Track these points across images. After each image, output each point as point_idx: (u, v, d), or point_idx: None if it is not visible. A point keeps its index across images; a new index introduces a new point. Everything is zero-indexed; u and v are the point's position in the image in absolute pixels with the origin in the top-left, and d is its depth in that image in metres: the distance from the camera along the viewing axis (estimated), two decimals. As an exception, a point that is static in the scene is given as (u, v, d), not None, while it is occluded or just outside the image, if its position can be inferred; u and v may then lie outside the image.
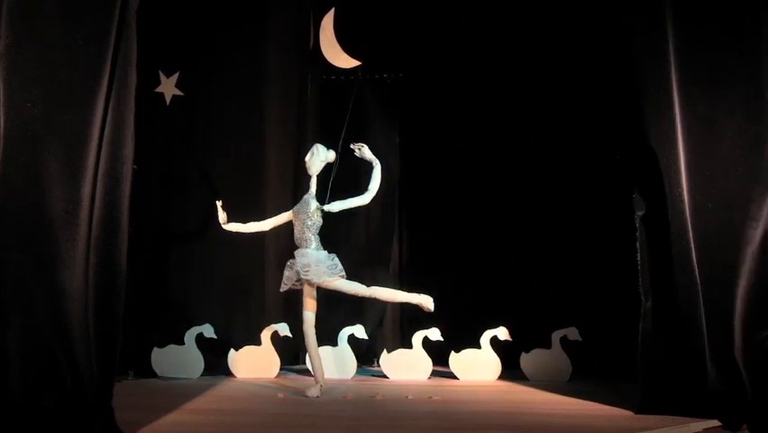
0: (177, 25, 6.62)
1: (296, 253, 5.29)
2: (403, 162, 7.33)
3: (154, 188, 6.53)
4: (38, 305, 3.29)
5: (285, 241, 7.00)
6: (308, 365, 6.28)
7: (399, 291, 5.47)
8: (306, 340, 5.30)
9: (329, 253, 5.29)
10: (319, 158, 5.36)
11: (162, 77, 6.68)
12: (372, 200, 5.41)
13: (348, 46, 7.29)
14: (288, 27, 7.17)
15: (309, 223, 5.27)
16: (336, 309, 6.49)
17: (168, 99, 6.69)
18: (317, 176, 5.42)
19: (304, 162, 7.23)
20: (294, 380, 6.10)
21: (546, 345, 6.17)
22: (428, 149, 7.33)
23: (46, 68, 3.38)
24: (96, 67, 3.45)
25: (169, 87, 6.70)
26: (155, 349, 6.20)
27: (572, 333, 6.08)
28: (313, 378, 5.36)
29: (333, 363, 6.10)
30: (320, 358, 5.33)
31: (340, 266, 5.23)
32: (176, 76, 6.71)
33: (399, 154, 7.33)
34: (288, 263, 5.33)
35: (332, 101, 7.40)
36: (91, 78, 3.44)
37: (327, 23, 7.26)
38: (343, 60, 7.30)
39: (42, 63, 3.37)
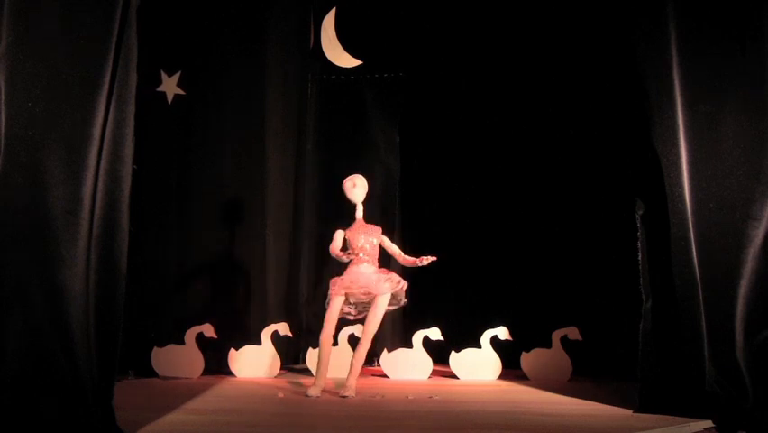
0: (178, 24, 6.61)
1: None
2: (403, 162, 7.33)
3: (155, 188, 6.51)
4: (38, 305, 3.28)
5: (285, 241, 7.03)
6: (308, 364, 6.30)
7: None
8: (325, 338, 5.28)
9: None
10: (364, 188, 5.46)
11: (164, 75, 6.68)
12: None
13: (349, 45, 7.29)
14: (289, 27, 7.17)
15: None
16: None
17: (169, 98, 6.69)
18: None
19: (303, 164, 7.23)
20: (294, 380, 6.09)
21: (547, 344, 6.17)
22: (428, 148, 7.33)
23: (47, 67, 3.37)
24: (97, 66, 3.44)
25: (170, 87, 6.70)
26: (155, 349, 6.19)
27: (573, 332, 6.09)
28: (313, 378, 5.36)
29: (333, 362, 6.08)
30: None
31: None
32: (177, 75, 6.70)
33: (399, 153, 7.33)
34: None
35: (332, 101, 7.40)
36: (92, 78, 3.43)
37: (329, 22, 7.27)
38: (345, 60, 7.31)
39: (43, 62, 3.36)
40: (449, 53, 7.20)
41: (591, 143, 6.40)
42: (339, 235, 5.42)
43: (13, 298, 3.27)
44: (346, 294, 5.28)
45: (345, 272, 5.36)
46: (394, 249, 5.50)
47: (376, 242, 5.40)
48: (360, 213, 5.48)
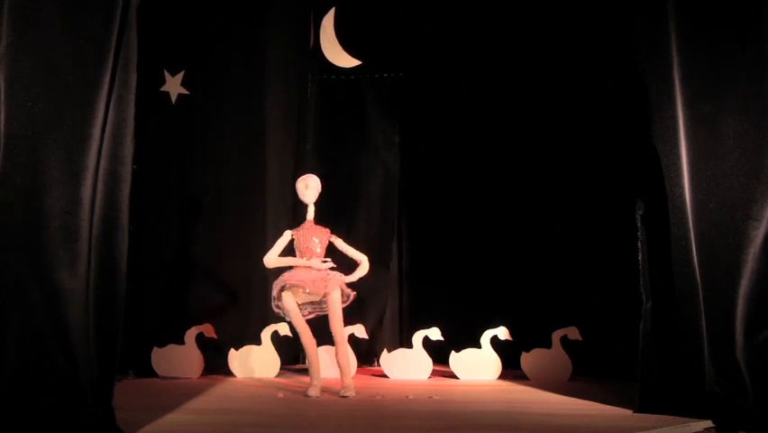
0: (180, 24, 6.61)
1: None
2: (403, 162, 7.32)
3: (156, 187, 6.51)
4: (37, 305, 3.28)
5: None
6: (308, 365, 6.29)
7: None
8: (306, 340, 5.26)
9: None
10: (317, 189, 5.46)
11: (167, 75, 6.68)
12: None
13: (348, 45, 7.29)
14: (289, 26, 7.17)
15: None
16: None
17: (173, 98, 6.69)
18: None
19: (303, 164, 7.22)
20: (294, 380, 6.09)
21: (547, 344, 6.16)
22: (428, 148, 7.33)
23: (47, 67, 3.37)
24: (97, 66, 3.44)
25: (174, 86, 6.70)
26: (155, 349, 6.19)
27: (573, 332, 6.08)
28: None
29: (333, 362, 6.08)
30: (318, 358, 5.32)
31: None
32: (181, 75, 6.71)
33: (399, 153, 7.33)
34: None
35: (332, 101, 7.40)
36: (92, 78, 3.43)
37: (328, 22, 7.28)
38: (344, 60, 7.31)
39: (43, 62, 3.36)
40: (449, 53, 7.19)
41: (591, 143, 6.39)
42: (285, 237, 5.37)
43: (12, 298, 3.26)
44: (292, 292, 5.20)
45: (289, 272, 5.30)
46: (349, 251, 5.44)
47: (324, 244, 5.37)
48: (311, 214, 5.46)
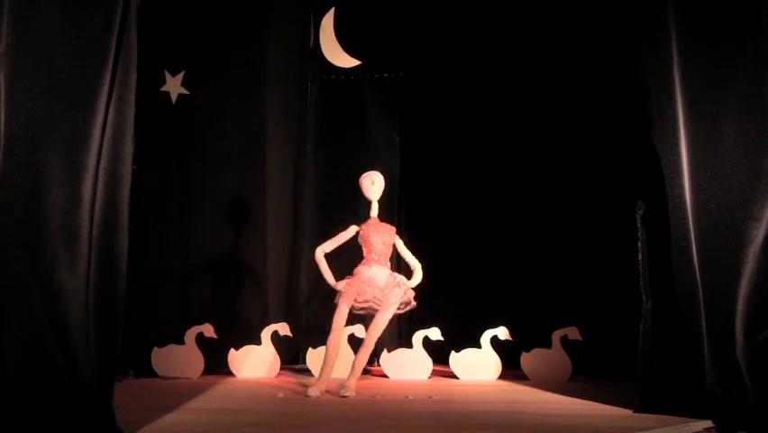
0: (180, 24, 6.61)
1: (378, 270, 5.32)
2: (403, 162, 7.32)
3: (156, 187, 6.51)
4: (37, 305, 3.28)
5: (286, 241, 7.02)
6: (308, 365, 6.29)
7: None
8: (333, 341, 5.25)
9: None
10: (381, 186, 5.47)
11: (167, 75, 6.68)
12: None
13: (348, 45, 7.29)
14: (289, 26, 7.17)
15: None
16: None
17: (174, 98, 6.69)
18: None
19: (303, 164, 7.21)
20: (294, 380, 6.09)
21: (547, 344, 6.16)
22: (428, 148, 7.32)
23: (47, 67, 3.37)
24: (97, 66, 3.44)
25: (174, 86, 6.70)
26: (155, 349, 6.19)
27: (573, 332, 6.08)
28: (313, 378, 5.35)
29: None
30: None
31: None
32: (181, 75, 6.71)
33: (399, 153, 7.33)
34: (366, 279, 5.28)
35: (332, 101, 7.40)
36: (92, 78, 3.43)
37: (328, 22, 7.28)
38: (344, 60, 7.31)
39: (43, 62, 3.36)
40: (449, 53, 7.19)
41: (591, 143, 6.39)
42: (349, 232, 5.40)
43: (12, 298, 3.26)
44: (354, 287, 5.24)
45: (356, 274, 5.32)
46: (406, 255, 5.49)
47: (390, 241, 5.39)
48: (375, 211, 5.47)
